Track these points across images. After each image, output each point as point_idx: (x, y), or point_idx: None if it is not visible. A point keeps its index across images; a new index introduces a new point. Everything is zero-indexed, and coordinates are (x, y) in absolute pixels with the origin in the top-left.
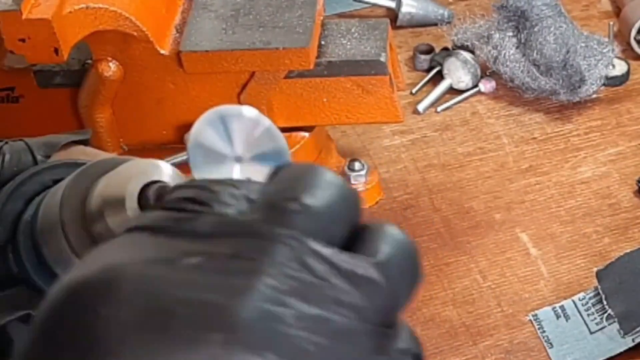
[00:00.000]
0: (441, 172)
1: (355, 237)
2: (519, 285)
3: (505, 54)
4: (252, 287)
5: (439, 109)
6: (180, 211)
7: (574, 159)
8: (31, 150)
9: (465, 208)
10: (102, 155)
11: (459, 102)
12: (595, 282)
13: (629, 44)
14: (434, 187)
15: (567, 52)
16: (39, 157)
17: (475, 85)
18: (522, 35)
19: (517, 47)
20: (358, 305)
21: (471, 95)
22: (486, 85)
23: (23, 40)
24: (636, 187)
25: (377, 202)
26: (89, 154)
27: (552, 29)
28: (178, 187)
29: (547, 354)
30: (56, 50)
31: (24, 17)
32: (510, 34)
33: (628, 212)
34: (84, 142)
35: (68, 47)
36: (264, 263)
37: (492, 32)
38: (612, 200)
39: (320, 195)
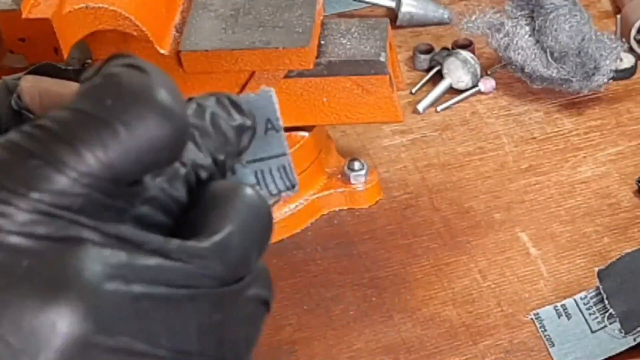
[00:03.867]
0: (441, 171)
1: (204, 195)
2: (519, 285)
3: (517, 41)
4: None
5: (438, 108)
6: None
7: (573, 159)
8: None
9: (465, 208)
10: (70, 83)
11: (459, 101)
12: (595, 281)
13: (629, 43)
14: (433, 187)
15: (582, 39)
16: (8, 84)
17: (475, 85)
18: (537, 23)
19: (530, 35)
20: (200, 276)
21: (471, 95)
22: (486, 85)
23: (23, 40)
24: (636, 187)
25: (376, 202)
26: (55, 80)
27: (567, 16)
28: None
29: (547, 354)
30: (56, 50)
31: (23, 16)
32: (524, 22)
33: (628, 212)
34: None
35: (68, 46)
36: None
37: (504, 20)
38: (612, 200)
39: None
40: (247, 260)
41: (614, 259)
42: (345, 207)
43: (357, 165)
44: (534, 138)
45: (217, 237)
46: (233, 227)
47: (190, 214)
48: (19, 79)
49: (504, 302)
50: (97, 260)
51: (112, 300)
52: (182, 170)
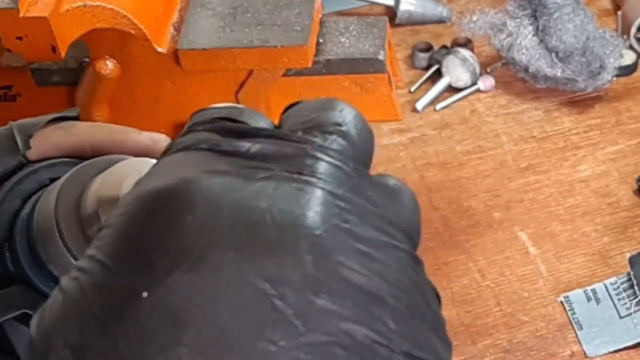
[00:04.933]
0: (440, 170)
1: None
2: (518, 284)
3: (521, 41)
4: (320, 202)
5: (437, 107)
6: (224, 131)
7: (573, 158)
8: (13, 134)
9: (464, 207)
10: (78, 126)
11: (458, 100)
12: (594, 281)
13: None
14: (432, 186)
15: (587, 38)
16: (19, 140)
17: (474, 84)
18: (540, 22)
19: (533, 35)
20: (396, 224)
21: (470, 94)
22: (485, 84)
23: (20, 39)
24: (636, 186)
25: None
26: (62, 127)
27: (571, 15)
28: (207, 109)
29: (546, 353)
30: (53, 49)
31: (21, 15)
32: (527, 22)
33: (628, 211)
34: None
35: (65, 45)
36: (321, 182)
37: (507, 20)
38: (612, 199)
39: (351, 121)
40: (417, 227)
41: (614, 258)
42: None
43: None
44: (534, 137)
45: (407, 197)
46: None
47: None
48: (30, 136)
49: (503, 302)
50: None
51: (338, 240)
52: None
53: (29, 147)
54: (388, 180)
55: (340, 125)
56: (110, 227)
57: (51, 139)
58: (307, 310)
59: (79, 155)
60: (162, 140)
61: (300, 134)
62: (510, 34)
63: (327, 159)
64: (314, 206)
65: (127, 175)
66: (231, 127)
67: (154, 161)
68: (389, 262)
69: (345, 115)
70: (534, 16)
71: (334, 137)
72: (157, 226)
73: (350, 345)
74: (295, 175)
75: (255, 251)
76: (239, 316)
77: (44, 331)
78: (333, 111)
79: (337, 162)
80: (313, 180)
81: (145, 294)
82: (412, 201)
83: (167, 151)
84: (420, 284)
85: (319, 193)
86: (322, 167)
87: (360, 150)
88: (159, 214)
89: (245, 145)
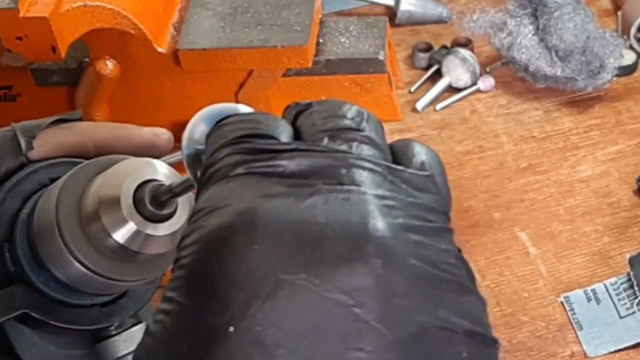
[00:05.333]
0: None
1: (392, 153)
2: (518, 284)
3: (521, 40)
4: (371, 206)
5: (437, 107)
6: (253, 151)
7: (573, 158)
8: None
9: (464, 207)
10: (80, 125)
11: (458, 100)
12: (594, 281)
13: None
14: None
15: (587, 38)
16: (21, 140)
17: (474, 84)
18: (541, 22)
19: (533, 34)
20: (434, 208)
21: (470, 94)
22: (485, 84)
23: (20, 39)
24: (636, 186)
25: None
26: (64, 127)
27: (571, 14)
28: (223, 126)
29: (546, 354)
30: (53, 49)
31: (21, 15)
32: (527, 21)
33: (628, 211)
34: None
35: (65, 45)
36: (364, 187)
37: (507, 19)
38: (612, 199)
39: (370, 123)
40: (449, 200)
41: (614, 258)
42: None
43: None
44: (534, 137)
45: (427, 172)
46: (431, 166)
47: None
48: (33, 136)
49: (503, 302)
50: (371, 207)
51: (398, 238)
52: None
53: (31, 148)
54: (417, 159)
55: (359, 129)
56: (183, 268)
57: (53, 138)
58: (386, 311)
59: (82, 154)
60: (163, 133)
61: (325, 142)
62: (510, 33)
63: (361, 164)
64: (367, 211)
65: (127, 175)
66: (259, 147)
67: (155, 161)
68: (437, 246)
69: (359, 116)
70: (535, 15)
71: (357, 143)
72: (223, 262)
73: (424, 336)
74: (338, 186)
75: (325, 266)
76: (324, 332)
77: None
78: (345, 115)
79: (370, 166)
80: (354, 188)
81: (231, 329)
82: (440, 174)
83: (204, 181)
84: (460, 258)
85: (365, 198)
86: (358, 174)
87: (381, 147)
88: (223, 251)
89: (282, 163)
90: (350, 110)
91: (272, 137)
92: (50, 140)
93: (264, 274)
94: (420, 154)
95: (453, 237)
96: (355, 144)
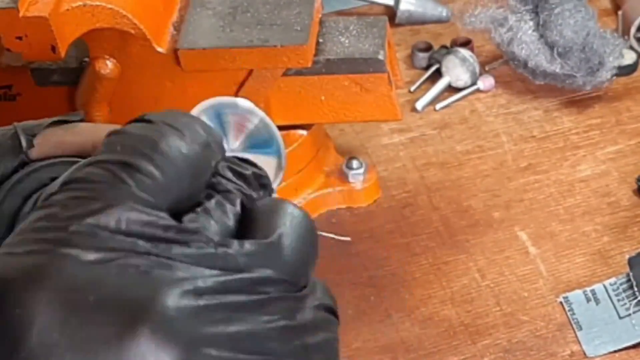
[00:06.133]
0: (440, 170)
1: (248, 216)
2: (518, 284)
3: (521, 36)
4: (171, 284)
5: (437, 107)
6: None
7: (573, 157)
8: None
9: (464, 206)
10: (81, 126)
11: (458, 100)
12: (593, 280)
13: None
14: (432, 186)
15: (587, 35)
16: (22, 138)
17: (474, 83)
18: (542, 17)
19: (534, 30)
20: (267, 278)
21: (470, 93)
22: (485, 83)
23: (20, 38)
24: (636, 186)
25: (375, 201)
26: (65, 127)
27: (572, 11)
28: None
29: (546, 353)
30: (53, 48)
31: (21, 14)
32: (528, 17)
33: (627, 211)
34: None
35: (65, 44)
36: (174, 264)
37: (508, 14)
38: (612, 199)
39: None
40: (304, 265)
41: (614, 258)
42: (343, 206)
43: (355, 163)
44: (533, 136)
45: (270, 239)
46: (283, 229)
47: (240, 230)
48: (33, 135)
49: (503, 302)
50: (169, 283)
51: (188, 317)
52: (221, 198)
53: (32, 146)
54: (270, 225)
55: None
56: None
57: (54, 138)
58: None
59: (81, 155)
60: None
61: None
62: (510, 29)
63: (186, 239)
64: (161, 288)
65: None
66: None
67: None
68: (252, 319)
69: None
70: (535, 12)
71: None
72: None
73: None
74: (151, 257)
75: (91, 344)
76: None
77: None
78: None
79: (200, 247)
80: (169, 262)
81: None
82: (295, 238)
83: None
84: (299, 327)
85: (167, 275)
86: (178, 249)
87: (224, 220)
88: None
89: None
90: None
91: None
92: (50, 140)
93: (22, 339)
94: (277, 219)
95: (297, 302)
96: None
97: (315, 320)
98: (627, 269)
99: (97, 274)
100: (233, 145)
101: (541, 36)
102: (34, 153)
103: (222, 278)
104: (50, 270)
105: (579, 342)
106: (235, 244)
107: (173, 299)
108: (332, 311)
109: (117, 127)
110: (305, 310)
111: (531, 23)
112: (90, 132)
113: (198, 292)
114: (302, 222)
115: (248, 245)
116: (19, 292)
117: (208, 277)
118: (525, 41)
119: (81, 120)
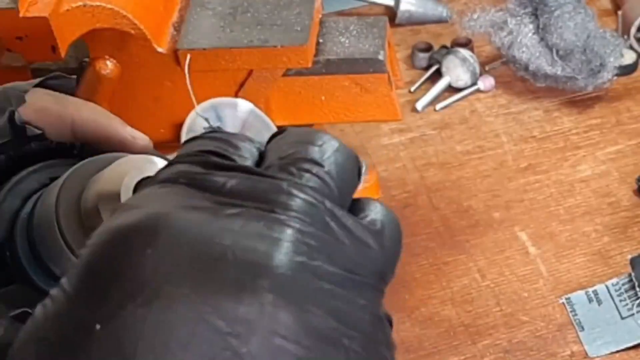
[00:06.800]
0: (440, 170)
1: (351, 205)
2: (518, 284)
3: (521, 39)
4: (288, 239)
5: (437, 107)
6: (205, 164)
7: (573, 158)
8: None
9: (464, 207)
10: (69, 98)
11: (458, 100)
12: (594, 280)
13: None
14: (432, 186)
15: (588, 37)
16: (12, 99)
17: (474, 83)
18: (541, 20)
19: (534, 33)
20: (366, 264)
21: (470, 94)
22: (485, 83)
23: (20, 39)
24: (636, 186)
25: None
26: (53, 94)
27: (572, 13)
28: (197, 138)
29: (546, 353)
30: (53, 48)
31: (21, 15)
32: (527, 20)
33: (628, 211)
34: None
35: (65, 45)
36: (292, 219)
37: (507, 18)
38: (612, 199)
39: (330, 157)
40: (396, 261)
41: (614, 258)
42: None
43: None
44: (534, 137)
45: (378, 226)
46: (384, 220)
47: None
48: (25, 91)
49: (503, 302)
50: (290, 242)
51: (302, 279)
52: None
53: (23, 101)
54: (371, 216)
55: (317, 161)
56: (80, 257)
57: (39, 103)
58: (262, 349)
59: (59, 126)
60: (141, 139)
61: (276, 169)
62: (510, 32)
63: (302, 195)
64: (280, 244)
65: (127, 172)
66: (213, 161)
67: (156, 158)
68: (352, 299)
69: (326, 149)
70: (535, 14)
71: (309, 175)
72: (115, 259)
73: None
74: (267, 213)
75: (212, 288)
76: (190, 352)
77: (11, 355)
78: (312, 146)
79: (311, 199)
80: (283, 217)
81: (98, 327)
82: (392, 237)
83: (146, 182)
84: (382, 318)
85: (288, 231)
86: (295, 204)
87: (338, 187)
88: (118, 247)
89: (221, 180)
90: (318, 141)
91: (230, 158)
92: (36, 103)
93: (147, 279)
94: (376, 212)
95: (380, 299)
96: (307, 175)
97: (385, 318)
98: (628, 269)
99: (224, 224)
100: None
101: (541, 39)
102: (24, 111)
103: (335, 246)
104: (179, 215)
105: (581, 343)
106: (350, 219)
107: (287, 258)
108: (390, 321)
109: (102, 111)
110: (382, 307)
111: (531, 26)
112: (75, 107)
113: (309, 256)
114: (395, 221)
115: (357, 224)
116: (149, 236)
117: (320, 243)
118: (526, 44)
119: (67, 82)
